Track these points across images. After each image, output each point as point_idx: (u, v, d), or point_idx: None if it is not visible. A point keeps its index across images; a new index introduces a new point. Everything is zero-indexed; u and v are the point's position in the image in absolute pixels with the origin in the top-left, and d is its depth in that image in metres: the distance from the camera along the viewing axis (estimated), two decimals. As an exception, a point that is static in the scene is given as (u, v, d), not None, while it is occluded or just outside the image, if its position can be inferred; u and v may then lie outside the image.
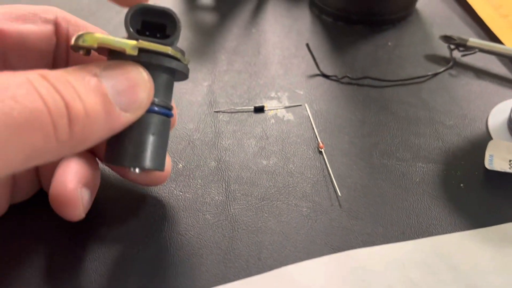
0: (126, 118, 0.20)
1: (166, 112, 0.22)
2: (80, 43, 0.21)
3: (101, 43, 0.20)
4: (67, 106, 0.17)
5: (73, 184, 0.22)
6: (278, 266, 0.24)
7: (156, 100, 0.22)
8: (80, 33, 0.21)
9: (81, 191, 0.22)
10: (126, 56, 0.21)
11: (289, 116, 0.33)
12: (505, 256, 0.25)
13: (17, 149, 0.16)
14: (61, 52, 0.24)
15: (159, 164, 0.22)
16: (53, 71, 0.18)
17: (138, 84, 0.21)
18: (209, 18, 0.43)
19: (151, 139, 0.22)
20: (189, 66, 0.37)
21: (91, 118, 0.18)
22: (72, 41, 0.21)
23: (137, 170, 0.22)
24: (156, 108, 0.22)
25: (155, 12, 0.22)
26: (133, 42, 0.21)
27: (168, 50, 0.22)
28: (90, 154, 0.25)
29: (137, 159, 0.22)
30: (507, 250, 0.25)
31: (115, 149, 0.22)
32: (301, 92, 0.35)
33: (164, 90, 0.22)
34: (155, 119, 0.22)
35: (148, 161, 0.22)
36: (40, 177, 0.26)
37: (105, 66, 0.20)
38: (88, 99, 0.18)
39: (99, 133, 0.19)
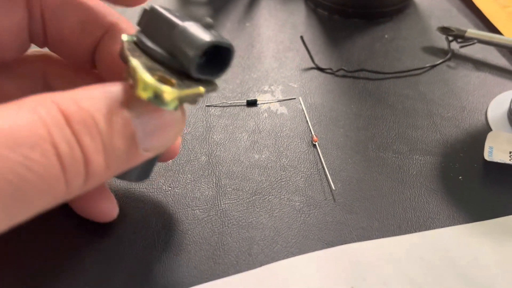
0: (145, 156, 0.18)
1: None
2: (140, 90, 0.17)
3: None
4: (86, 163, 0.15)
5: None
6: (269, 262, 0.23)
7: None
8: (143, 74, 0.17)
9: None
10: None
11: (282, 109, 0.32)
12: (504, 249, 0.24)
13: (20, 212, 0.15)
14: (36, 28, 0.21)
15: (145, 178, 0.23)
16: (75, 103, 0.15)
17: (172, 125, 0.18)
18: (202, 12, 0.42)
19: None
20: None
21: (111, 170, 0.16)
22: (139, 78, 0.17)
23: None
24: None
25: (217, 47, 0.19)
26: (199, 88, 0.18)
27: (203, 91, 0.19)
28: None
29: (124, 176, 0.21)
30: (507, 244, 0.24)
31: None
32: (295, 86, 0.34)
33: None
34: None
35: (134, 178, 0.22)
36: None
37: (137, 100, 0.17)
38: (112, 147, 0.16)
39: (111, 174, 0.17)
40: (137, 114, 0.17)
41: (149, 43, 0.19)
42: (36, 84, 0.23)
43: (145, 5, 0.20)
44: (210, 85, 0.19)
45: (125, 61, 0.18)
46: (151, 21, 0.19)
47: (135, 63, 0.18)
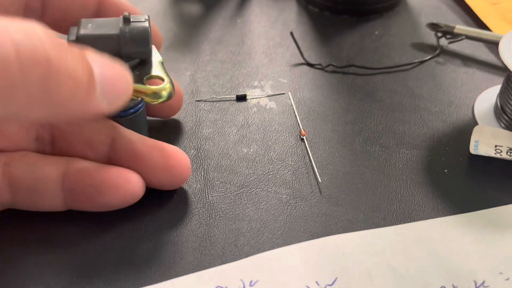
0: (102, 106, 0.19)
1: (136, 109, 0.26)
2: None
3: None
4: (47, 58, 0.16)
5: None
6: (254, 253, 0.24)
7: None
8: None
9: None
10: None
11: (271, 104, 0.33)
12: (488, 241, 0.24)
13: None
14: None
15: None
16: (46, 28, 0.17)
17: (124, 78, 0.20)
18: (194, 9, 0.43)
19: None
20: (172, 56, 0.37)
21: (72, 82, 0.17)
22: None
23: None
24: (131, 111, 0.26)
25: None
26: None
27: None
28: None
29: None
30: (490, 236, 0.24)
31: None
32: (285, 81, 0.35)
33: None
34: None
35: None
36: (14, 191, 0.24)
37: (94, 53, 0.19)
38: (73, 64, 0.18)
39: (75, 106, 0.18)
40: (94, 59, 0.19)
41: None
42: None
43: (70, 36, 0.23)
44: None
45: None
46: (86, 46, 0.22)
47: None
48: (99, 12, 0.26)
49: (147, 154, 0.24)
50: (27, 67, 0.16)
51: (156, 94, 0.23)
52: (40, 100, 0.17)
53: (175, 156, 0.24)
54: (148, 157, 0.24)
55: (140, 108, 0.26)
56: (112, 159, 0.24)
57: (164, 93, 0.23)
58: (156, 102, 0.23)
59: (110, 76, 0.20)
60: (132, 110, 0.26)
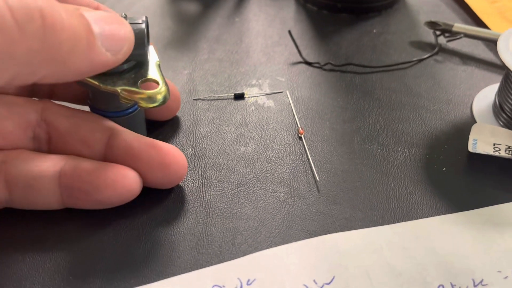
0: (106, 56, 0.20)
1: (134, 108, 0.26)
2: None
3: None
4: (41, 14, 0.17)
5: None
6: (252, 252, 0.23)
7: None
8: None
9: None
10: None
11: (269, 103, 0.33)
12: (486, 239, 0.24)
13: None
14: None
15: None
16: None
17: (123, 26, 0.21)
18: (192, 7, 0.42)
19: None
20: (169, 55, 0.37)
21: (70, 34, 0.18)
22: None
23: None
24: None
25: None
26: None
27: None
28: None
29: None
30: (489, 234, 0.24)
31: None
32: (283, 79, 0.35)
33: None
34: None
35: None
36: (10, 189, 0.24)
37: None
38: (69, 18, 0.18)
39: (79, 60, 0.19)
40: (90, 14, 0.20)
41: None
42: None
43: None
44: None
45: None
46: None
47: (121, 88, 0.23)
48: None
49: (143, 152, 0.24)
50: (23, 23, 0.16)
51: (150, 98, 0.23)
52: (41, 55, 0.17)
53: (171, 155, 0.24)
54: (144, 156, 0.24)
55: (137, 107, 0.26)
56: (108, 158, 0.24)
57: (159, 97, 0.23)
58: (151, 106, 0.23)
59: (109, 27, 0.20)
60: (130, 110, 0.26)
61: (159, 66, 0.24)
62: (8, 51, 0.17)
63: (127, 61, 0.23)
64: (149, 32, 0.25)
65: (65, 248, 0.24)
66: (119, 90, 0.22)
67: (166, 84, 0.23)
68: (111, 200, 0.24)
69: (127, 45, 0.21)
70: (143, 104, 0.23)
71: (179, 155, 0.25)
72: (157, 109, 0.29)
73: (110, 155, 0.24)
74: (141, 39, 0.23)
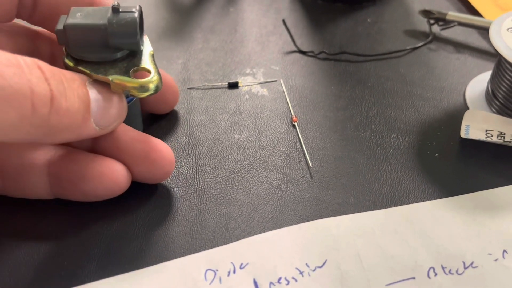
0: (95, 130, 0.21)
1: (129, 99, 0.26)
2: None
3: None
4: (52, 98, 0.19)
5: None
6: (245, 237, 0.24)
7: None
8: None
9: None
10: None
11: (263, 91, 0.33)
12: (477, 223, 0.24)
13: None
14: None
15: None
16: (50, 66, 0.20)
17: (117, 110, 0.22)
18: (186, -2, 0.42)
19: None
20: (164, 45, 0.37)
21: (70, 117, 0.20)
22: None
23: None
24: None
25: None
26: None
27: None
28: None
29: None
30: (480, 218, 0.24)
31: None
32: (277, 68, 0.35)
33: None
34: None
35: None
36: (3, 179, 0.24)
37: (95, 81, 0.22)
38: (72, 101, 0.20)
39: (70, 133, 0.21)
40: (93, 90, 0.21)
41: (80, 53, 0.23)
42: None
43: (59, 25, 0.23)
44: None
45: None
46: (73, 36, 0.23)
47: (113, 77, 0.22)
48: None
49: (130, 145, 0.24)
50: (37, 107, 0.18)
51: (142, 87, 0.22)
52: (38, 130, 0.19)
53: (158, 150, 0.24)
54: (130, 149, 0.24)
55: (133, 98, 0.26)
56: (95, 150, 0.24)
57: (151, 86, 0.23)
58: (143, 95, 0.23)
59: (104, 105, 0.21)
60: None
61: (152, 56, 0.24)
62: (14, 124, 0.18)
63: (120, 49, 0.23)
64: (143, 22, 0.25)
65: (60, 235, 0.24)
66: (110, 79, 0.22)
67: (159, 73, 0.23)
68: (97, 192, 0.24)
69: (117, 122, 0.23)
70: (135, 93, 0.23)
71: (166, 150, 0.24)
72: (155, 103, 0.29)
73: (97, 147, 0.24)
74: (134, 28, 0.23)
